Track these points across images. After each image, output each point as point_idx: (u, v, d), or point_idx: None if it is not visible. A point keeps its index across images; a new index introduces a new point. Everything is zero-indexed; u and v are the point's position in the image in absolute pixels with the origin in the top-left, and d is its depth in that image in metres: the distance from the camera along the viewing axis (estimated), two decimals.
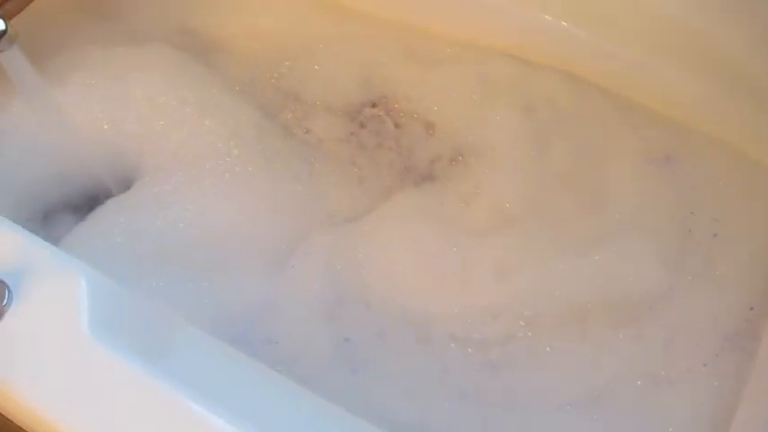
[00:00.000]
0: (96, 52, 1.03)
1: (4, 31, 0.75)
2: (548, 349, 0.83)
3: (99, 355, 0.59)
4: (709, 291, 0.85)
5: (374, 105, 1.08)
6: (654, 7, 1.01)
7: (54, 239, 0.97)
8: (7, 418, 0.59)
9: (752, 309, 0.83)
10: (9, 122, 0.99)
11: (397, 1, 1.11)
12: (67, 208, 1.02)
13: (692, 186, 0.92)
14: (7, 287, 0.62)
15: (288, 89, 1.09)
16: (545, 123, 0.99)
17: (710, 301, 0.85)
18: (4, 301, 0.60)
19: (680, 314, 0.84)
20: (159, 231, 0.88)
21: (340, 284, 0.88)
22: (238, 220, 0.90)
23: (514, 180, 0.95)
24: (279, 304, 0.86)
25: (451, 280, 0.87)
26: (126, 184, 0.99)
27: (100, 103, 0.99)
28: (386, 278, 0.88)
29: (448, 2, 1.07)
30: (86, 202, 1.03)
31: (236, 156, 0.93)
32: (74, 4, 1.13)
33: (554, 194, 0.93)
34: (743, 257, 0.87)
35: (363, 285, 0.87)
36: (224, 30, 1.16)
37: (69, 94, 1.00)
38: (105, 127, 0.99)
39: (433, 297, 0.86)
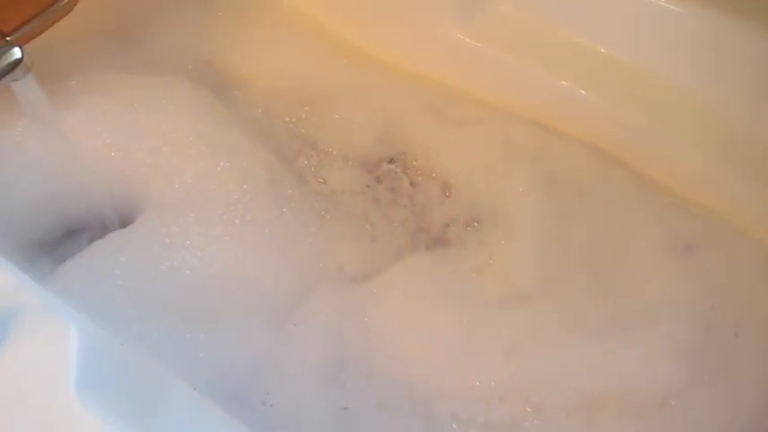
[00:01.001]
0: (113, 78, 1.00)
1: (20, 60, 0.72)
2: None
3: (84, 420, 0.55)
4: (727, 391, 0.81)
5: (392, 161, 1.05)
6: (676, 84, 1.00)
7: (48, 270, 0.93)
8: None
9: None
10: (11, 140, 0.95)
11: (422, 54, 1.09)
12: (65, 236, 0.98)
13: (714, 279, 0.89)
14: None
15: (305, 135, 1.07)
16: (566, 197, 0.96)
17: (727, 403, 0.81)
18: None
19: (694, 414, 0.80)
20: (161, 275, 0.84)
21: (343, 347, 0.84)
22: (244, 269, 0.87)
23: (531, 254, 0.92)
24: (278, 363, 0.82)
25: (458, 355, 0.83)
26: (128, 218, 0.95)
27: (110, 130, 0.96)
28: (391, 346, 0.84)
29: (475, 61, 1.05)
30: (85, 232, 0.99)
31: (248, 201, 0.90)
32: (95, 27, 1.11)
33: (570, 274, 0.90)
34: (764, 359, 0.83)
35: (367, 351, 0.83)
36: (244, 67, 1.14)
37: (79, 117, 0.96)
38: (113, 155, 0.96)
39: (438, 371, 0.82)
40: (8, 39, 0.89)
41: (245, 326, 0.85)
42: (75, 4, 0.94)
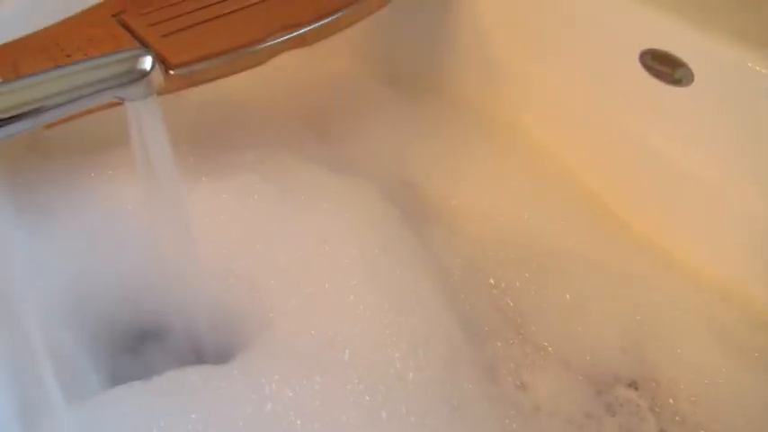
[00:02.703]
0: (285, 160, 0.76)
1: (147, 73, 0.48)
2: None
3: None
4: None
5: (634, 386, 0.67)
6: None
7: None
8: None
9: None
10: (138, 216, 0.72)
11: (715, 247, 0.72)
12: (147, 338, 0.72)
13: None
14: None
15: (512, 312, 0.73)
16: None
17: None
18: None
19: None
20: None
21: None
22: None
23: None
24: None
25: None
26: (226, 349, 0.67)
27: (249, 217, 0.71)
28: None
29: None
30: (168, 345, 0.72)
31: (409, 385, 0.56)
32: (291, 111, 0.90)
33: None
34: None
35: None
36: (453, 200, 0.85)
37: (226, 195, 0.72)
38: (243, 257, 0.69)
39: None
40: (171, 72, 0.68)
41: None
42: (264, 61, 0.72)
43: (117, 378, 0.72)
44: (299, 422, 0.50)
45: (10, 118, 0.48)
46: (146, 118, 0.55)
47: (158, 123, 0.56)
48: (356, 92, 0.96)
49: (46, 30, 0.74)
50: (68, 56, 0.71)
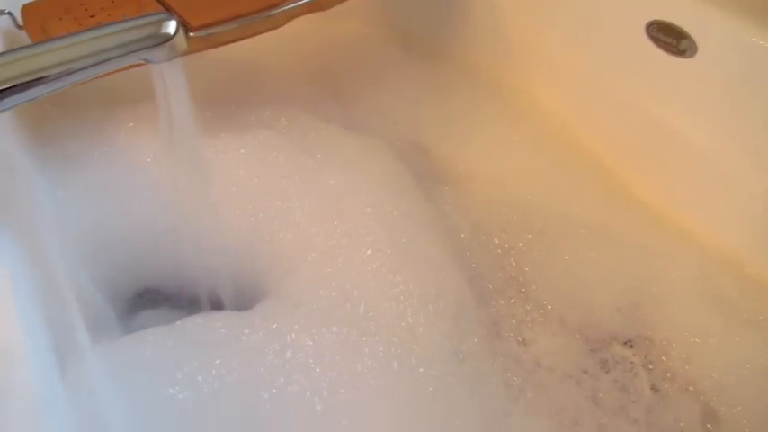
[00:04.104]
0: (301, 119, 0.79)
1: (171, 36, 0.50)
2: None
3: None
4: None
5: (629, 344, 0.71)
6: None
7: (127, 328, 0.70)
8: None
9: None
10: (158, 168, 0.75)
11: (713, 211, 0.75)
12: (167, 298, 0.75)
13: None
14: None
15: (514, 271, 0.76)
16: None
17: None
18: None
19: None
20: (263, 401, 0.55)
21: None
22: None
23: None
24: None
25: None
26: (247, 297, 0.70)
27: (267, 173, 0.74)
28: None
29: None
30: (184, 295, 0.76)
31: (419, 339, 0.60)
32: (309, 73, 0.92)
33: None
34: None
35: None
36: (463, 164, 0.87)
37: (245, 150, 0.75)
38: (262, 211, 0.72)
39: None
40: (191, 35, 0.70)
41: None
42: (283, 24, 0.74)
43: (136, 326, 0.76)
44: (318, 370, 0.54)
45: (42, 78, 0.50)
46: (169, 79, 0.58)
47: (181, 84, 0.58)
48: (369, 54, 0.98)
49: None
50: (92, 16, 0.73)
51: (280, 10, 0.73)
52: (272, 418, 0.52)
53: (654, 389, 0.67)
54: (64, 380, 0.51)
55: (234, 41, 0.72)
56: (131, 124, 0.79)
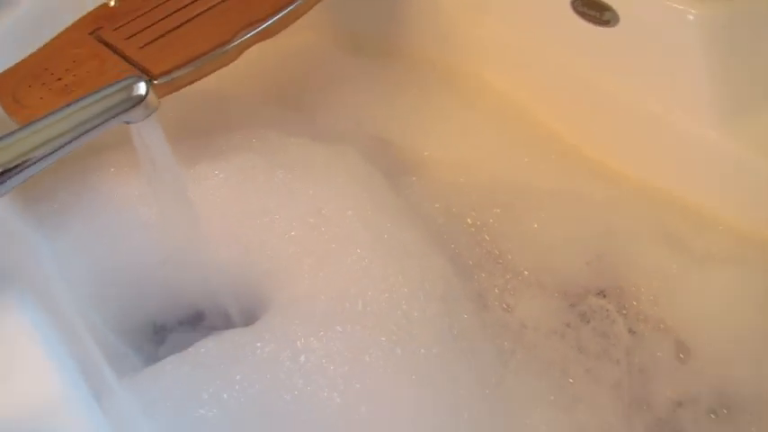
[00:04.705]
0: (270, 137, 0.84)
1: (143, 98, 0.55)
2: None
3: None
4: None
5: (602, 294, 0.78)
6: None
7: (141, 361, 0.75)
8: None
9: None
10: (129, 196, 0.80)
11: (661, 164, 0.82)
12: (183, 321, 0.80)
13: None
14: None
15: (489, 245, 0.83)
16: None
17: None
18: None
19: None
20: (282, 402, 0.61)
21: None
22: (380, 416, 0.62)
23: None
24: None
25: None
26: (252, 312, 0.76)
27: (251, 194, 0.79)
28: None
29: (736, 177, 0.77)
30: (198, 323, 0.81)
31: (415, 322, 0.66)
32: (263, 89, 0.96)
33: None
34: None
35: None
36: (426, 151, 0.93)
37: (223, 174, 0.80)
38: (248, 228, 0.78)
39: None
40: (155, 82, 0.74)
41: None
42: (237, 57, 0.79)
43: (151, 358, 0.81)
44: (331, 368, 0.60)
45: (28, 161, 0.55)
46: (146, 133, 0.63)
47: (160, 136, 0.64)
48: (322, 62, 1.03)
49: (31, 57, 0.79)
50: (59, 79, 0.77)
51: (233, 45, 0.77)
52: (297, 417, 0.58)
53: (630, 331, 0.75)
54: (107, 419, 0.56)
55: (195, 81, 0.77)
56: (112, 170, 0.83)
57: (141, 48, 0.78)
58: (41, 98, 0.75)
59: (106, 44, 0.79)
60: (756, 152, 0.74)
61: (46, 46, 0.80)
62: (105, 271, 0.80)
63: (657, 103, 0.80)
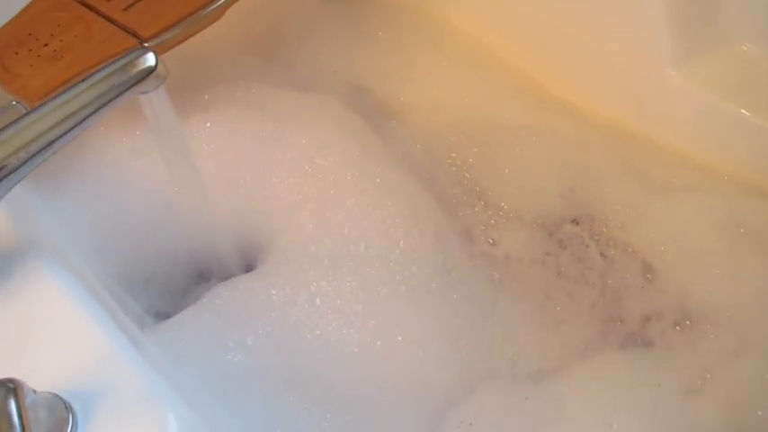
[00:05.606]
0: (256, 89, 0.87)
1: (153, 68, 0.58)
2: None
3: None
4: None
5: (575, 222, 0.86)
6: None
7: (152, 317, 0.79)
8: None
9: None
10: (136, 161, 0.83)
11: (625, 101, 0.89)
12: (190, 279, 0.84)
13: None
14: (72, 413, 0.47)
15: (470, 183, 0.89)
16: None
17: None
18: None
19: None
20: (290, 342, 0.68)
21: None
22: (399, 346, 0.69)
23: (762, 376, 0.70)
24: None
25: None
26: (251, 260, 0.80)
27: (247, 145, 0.82)
28: None
29: (694, 113, 0.84)
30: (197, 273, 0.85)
31: (413, 258, 0.72)
32: (241, 42, 0.98)
33: None
34: None
35: None
36: (403, 96, 0.97)
37: (211, 131, 0.83)
38: (247, 178, 0.81)
39: None
40: (145, 45, 0.76)
41: (381, 423, 0.67)
42: (222, 14, 0.81)
43: (160, 312, 0.85)
44: (346, 307, 0.67)
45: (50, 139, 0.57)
46: (157, 100, 0.65)
47: (167, 100, 0.66)
48: (295, 11, 1.04)
49: (12, 21, 0.79)
50: (46, 45, 0.77)
51: (218, 4, 0.79)
52: (320, 354, 0.65)
53: (602, 255, 0.83)
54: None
55: (183, 41, 0.79)
56: (102, 128, 0.85)
57: (125, 10, 0.78)
58: (32, 65, 0.75)
59: (88, 6, 0.80)
60: (711, 90, 0.81)
61: (26, 9, 0.80)
62: (105, 227, 0.83)
63: (619, 44, 0.86)
